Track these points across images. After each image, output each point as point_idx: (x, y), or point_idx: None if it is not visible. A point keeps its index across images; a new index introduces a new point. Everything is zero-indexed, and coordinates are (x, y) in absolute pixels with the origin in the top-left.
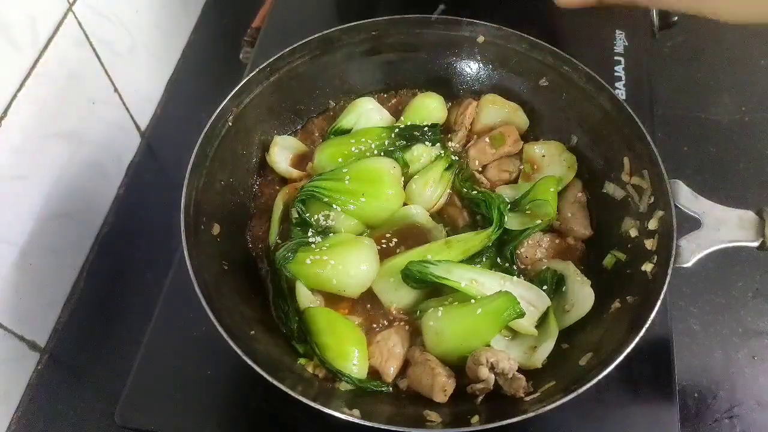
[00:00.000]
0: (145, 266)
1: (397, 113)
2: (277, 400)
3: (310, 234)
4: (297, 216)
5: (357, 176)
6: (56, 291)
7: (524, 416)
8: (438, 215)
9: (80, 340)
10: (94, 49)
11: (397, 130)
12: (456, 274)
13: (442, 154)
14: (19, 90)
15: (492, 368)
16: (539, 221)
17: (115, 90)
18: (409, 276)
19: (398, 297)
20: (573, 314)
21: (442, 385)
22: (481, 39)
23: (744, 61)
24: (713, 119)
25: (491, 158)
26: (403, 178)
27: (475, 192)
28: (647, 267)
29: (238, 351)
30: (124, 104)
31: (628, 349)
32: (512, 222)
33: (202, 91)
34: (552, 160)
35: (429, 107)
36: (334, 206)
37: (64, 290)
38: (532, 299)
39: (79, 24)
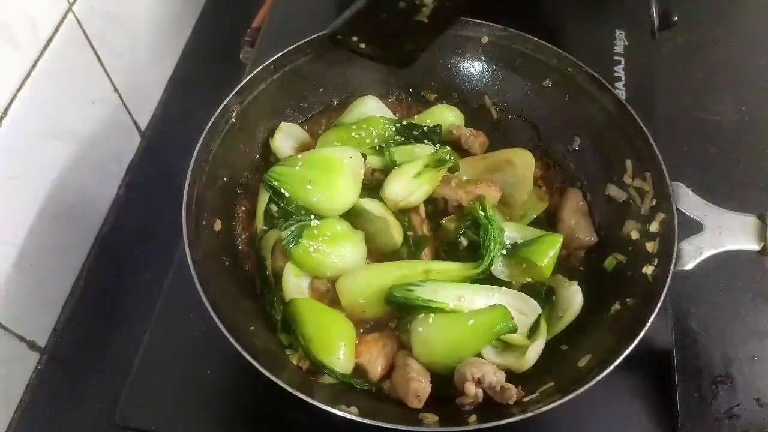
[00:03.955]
0: (145, 266)
1: (397, 114)
2: (277, 400)
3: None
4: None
5: (309, 162)
6: (56, 291)
7: (523, 416)
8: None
9: (80, 340)
10: (94, 49)
11: (398, 124)
12: (442, 294)
13: (435, 152)
14: (19, 90)
15: (479, 383)
16: (529, 280)
17: (115, 90)
18: (393, 302)
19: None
20: (567, 317)
21: (414, 391)
22: (485, 39)
23: (744, 61)
24: (713, 119)
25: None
26: (375, 174)
27: (483, 213)
28: (648, 269)
29: (237, 346)
30: (124, 104)
31: (627, 351)
32: (501, 269)
33: (202, 91)
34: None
35: (446, 120)
36: (283, 191)
37: (64, 290)
38: (521, 307)
39: (79, 24)
